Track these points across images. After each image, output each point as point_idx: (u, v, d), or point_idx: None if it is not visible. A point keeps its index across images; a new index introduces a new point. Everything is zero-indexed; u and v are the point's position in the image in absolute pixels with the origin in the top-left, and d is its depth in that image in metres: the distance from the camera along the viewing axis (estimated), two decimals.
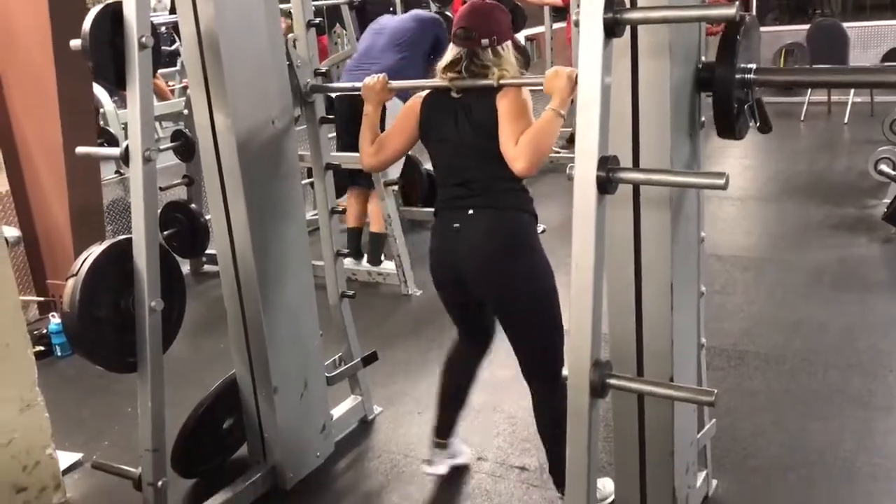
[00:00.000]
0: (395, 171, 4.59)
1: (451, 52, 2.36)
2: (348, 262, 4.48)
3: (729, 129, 1.91)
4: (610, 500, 2.45)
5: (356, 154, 3.59)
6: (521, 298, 2.34)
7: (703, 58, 2.01)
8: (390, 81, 2.55)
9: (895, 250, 4.46)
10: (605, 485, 2.47)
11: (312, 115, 2.91)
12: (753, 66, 1.91)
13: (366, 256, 4.66)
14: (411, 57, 4.59)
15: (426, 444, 2.83)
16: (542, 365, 2.37)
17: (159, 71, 7.91)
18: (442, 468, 2.69)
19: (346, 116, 4.62)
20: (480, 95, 2.31)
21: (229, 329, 2.64)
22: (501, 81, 2.27)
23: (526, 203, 2.36)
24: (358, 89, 2.62)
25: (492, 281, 2.34)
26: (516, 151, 2.19)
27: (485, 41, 2.29)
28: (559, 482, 2.44)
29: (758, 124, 1.99)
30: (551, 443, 2.43)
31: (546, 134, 2.19)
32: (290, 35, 2.75)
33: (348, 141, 4.61)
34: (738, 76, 1.87)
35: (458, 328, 2.63)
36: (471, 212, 2.32)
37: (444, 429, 2.69)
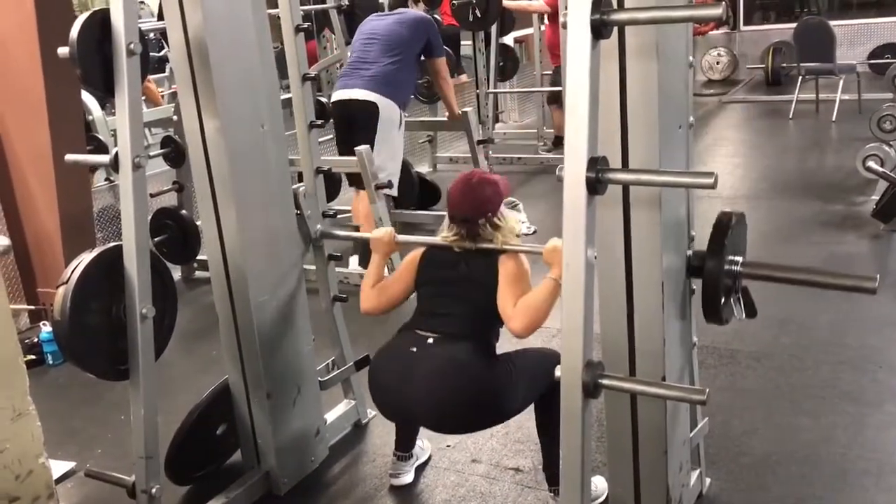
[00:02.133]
0: (395, 177, 4.61)
1: (452, 230, 2.43)
2: (347, 265, 4.50)
3: (716, 315, 2.06)
4: (602, 498, 2.46)
5: (351, 158, 3.61)
6: (499, 418, 2.38)
7: (693, 237, 2.16)
8: (398, 236, 2.63)
9: (884, 246, 4.49)
10: (598, 483, 2.48)
11: (322, 256, 2.96)
12: (740, 258, 2.06)
13: (356, 258, 4.67)
14: (404, 60, 4.62)
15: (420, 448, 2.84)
16: (541, 397, 2.40)
17: (152, 77, 7.90)
18: (408, 477, 2.69)
19: (341, 123, 4.65)
20: (482, 254, 2.39)
21: (221, 335, 2.64)
22: (504, 246, 2.37)
23: (492, 353, 2.38)
24: (357, 227, 2.66)
25: (451, 422, 2.37)
26: (515, 312, 2.24)
27: (481, 221, 2.38)
28: (552, 480, 2.45)
29: (743, 314, 2.14)
30: (546, 442, 2.44)
31: (546, 301, 2.23)
32: (300, 188, 2.78)
33: (343, 149, 4.63)
34: (726, 267, 2.02)
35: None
36: (430, 340, 2.32)
37: (404, 443, 2.70)
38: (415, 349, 2.32)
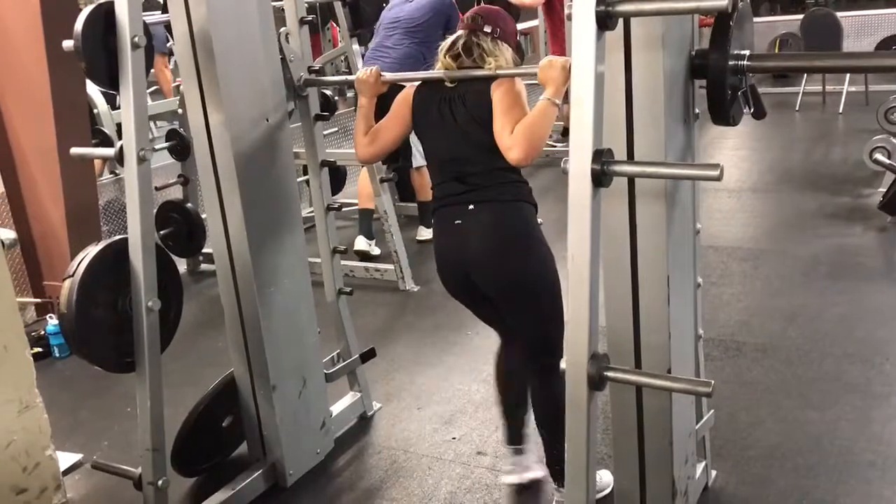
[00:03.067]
0: (420, 159, 4.73)
1: (452, 50, 2.37)
2: (352, 257, 4.54)
3: (723, 115, 1.92)
4: (607, 490, 2.46)
5: (351, 151, 3.61)
6: (525, 288, 2.33)
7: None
8: (383, 74, 2.55)
9: (891, 239, 4.47)
10: (602, 476, 2.48)
11: (306, 109, 2.90)
12: (747, 52, 1.91)
13: (362, 238, 4.77)
14: (427, 41, 4.66)
15: (426, 439, 2.85)
16: (542, 355, 2.37)
17: (170, 66, 7.90)
18: (518, 477, 2.58)
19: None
20: (474, 86, 2.31)
21: (227, 327, 2.64)
22: (497, 71, 2.28)
23: (526, 194, 2.36)
24: (350, 82, 2.62)
25: (496, 272, 2.33)
26: (511, 141, 2.18)
27: (487, 28, 2.33)
28: (556, 475, 2.45)
29: (752, 111, 1.99)
30: (549, 435, 2.43)
31: (541, 123, 2.19)
32: (282, 29, 2.74)
33: None
34: (731, 63, 1.87)
35: (494, 329, 2.60)
36: (471, 207, 2.30)
37: (513, 435, 2.61)
38: (460, 221, 2.32)
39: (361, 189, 4.81)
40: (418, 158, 4.78)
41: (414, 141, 4.65)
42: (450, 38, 2.40)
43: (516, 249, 2.30)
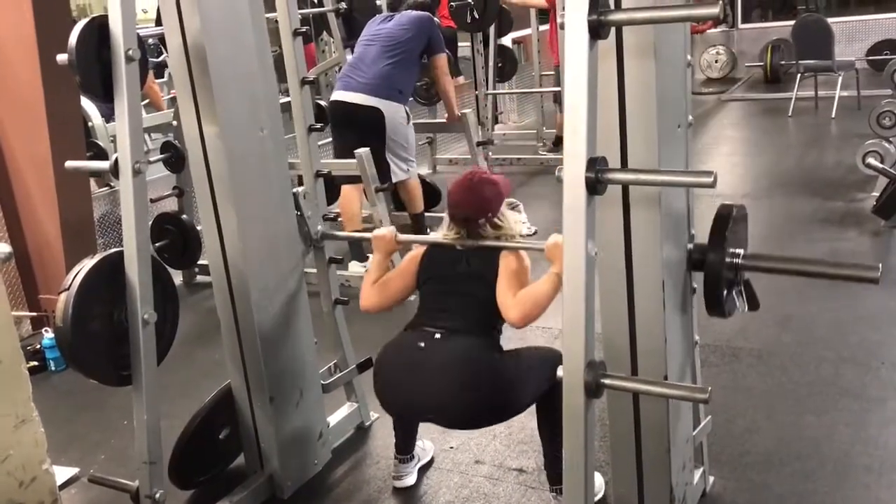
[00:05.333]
0: (413, 163, 4.83)
1: (453, 229, 2.44)
2: (347, 269, 4.52)
3: (718, 308, 2.03)
4: (599, 494, 2.46)
5: (350, 161, 3.63)
6: (505, 414, 2.38)
7: (693, 235, 2.15)
8: (399, 234, 2.62)
9: (884, 243, 4.49)
10: (595, 480, 2.48)
11: (322, 258, 2.96)
12: (742, 251, 2.04)
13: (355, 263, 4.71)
14: (403, 62, 4.65)
15: (427, 449, 2.84)
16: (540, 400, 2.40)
17: (158, 81, 7.91)
18: (410, 478, 2.68)
19: (339, 124, 4.66)
20: (483, 251, 2.39)
21: (223, 339, 2.64)
22: (506, 244, 2.38)
23: (497, 343, 2.39)
24: (367, 231, 2.70)
25: (460, 416, 2.36)
26: (514, 301, 2.25)
27: (482, 221, 2.40)
28: (553, 480, 2.45)
29: (746, 307, 2.11)
30: (548, 441, 2.44)
31: (546, 294, 2.23)
32: (300, 189, 2.79)
33: (340, 152, 4.64)
34: (727, 260, 2.01)
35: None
36: (437, 336, 2.31)
37: (405, 444, 2.68)
38: (422, 344, 2.31)
39: (345, 209, 4.70)
40: (398, 174, 4.73)
41: (390, 156, 4.64)
42: (450, 232, 2.46)
43: (481, 397, 2.28)
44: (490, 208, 2.40)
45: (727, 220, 2.01)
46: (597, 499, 2.45)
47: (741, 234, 2.09)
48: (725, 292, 2.03)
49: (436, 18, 5.21)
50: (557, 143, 7.33)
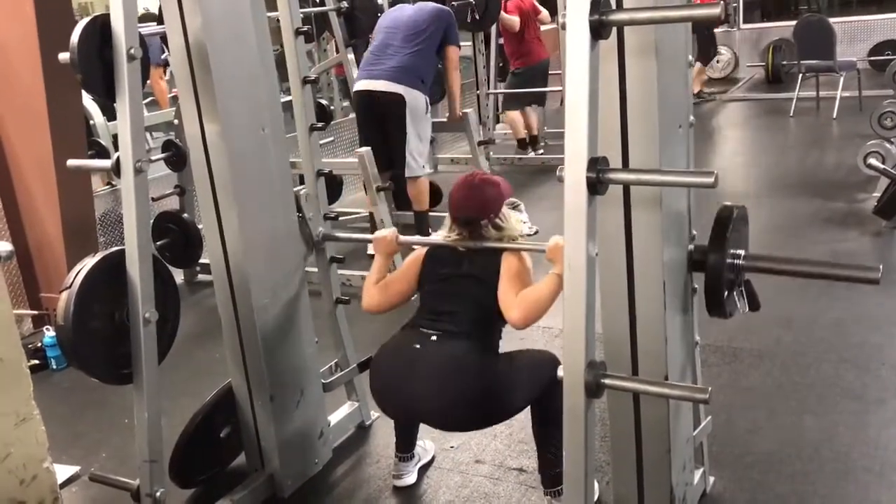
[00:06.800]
0: (424, 157, 4.85)
1: (454, 230, 2.45)
2: (349, 266, 4.54)
3: (719, 308, 2.04)
4: (594, 498, 2.45)
5: (351, 161, 3.61)
6: (500, 417, 2.37)
7: (694, 236, 2.16)
8: (400, 236, 2.62)
9: (886, 244, 4.49)
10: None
11: (324, 258, 2.97)
12: (742, 252, 2.05)
13: None
14: (425, 51, 4.72)
15: (427, 448, 2.84)
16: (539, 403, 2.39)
17: (165, 77, 7.92)
18: (410, 477, 2.69)
19: (365, 116, 4.76)
20: (485, 252, 2.40)
21: (224, 338, 2.64)
22: (507, 245, 2.38)
23: (494, 346, 2.39)
24: (367, 231, 2.69)
25: (454, 419, 2.36)
26: (516, 302, 2.24)
27: (484, 222, 2.40)
28: (547, 482, 2.45)
29: (747, 308, 2.12)
30: (541, 445, 2.44)
31: (548, 295, 2.23)
32: (301, 190, 2.79)
33: (371, 143, 4.69)
34: (728, 261, 2.01)
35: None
36: (434, 338, 2.31)
37: (405, 443, 2.69)
38: (418, 346, 2.31)
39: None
40: (413, 167, 4.77)
41: (409, 148, 4.68)
42: (455, 230, 2.46)
43: (475, 402, 2.27)
44: (492, 209, 2.40)
45: (728, 221, 2.01)
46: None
47: (742, 235, 2.10)
48: (726, 293, 2.04)
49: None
50: (522, 146, 7.32)
